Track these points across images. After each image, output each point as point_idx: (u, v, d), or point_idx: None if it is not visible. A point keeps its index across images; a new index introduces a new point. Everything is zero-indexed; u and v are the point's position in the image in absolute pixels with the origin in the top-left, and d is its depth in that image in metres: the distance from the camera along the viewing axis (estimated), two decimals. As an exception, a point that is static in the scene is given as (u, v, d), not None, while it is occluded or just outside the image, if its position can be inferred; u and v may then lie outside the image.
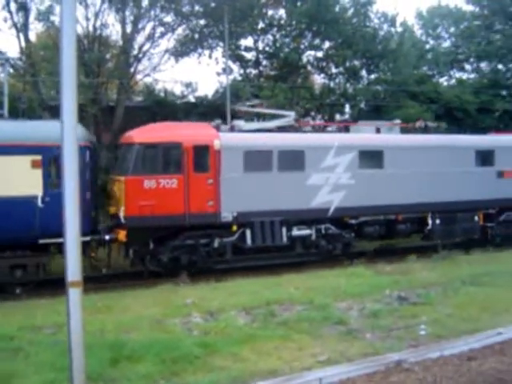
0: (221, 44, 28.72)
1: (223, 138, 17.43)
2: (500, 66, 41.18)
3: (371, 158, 19.54)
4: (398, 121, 22.69)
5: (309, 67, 32.44)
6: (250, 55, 31.11)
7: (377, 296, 13.48)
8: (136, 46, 26.02)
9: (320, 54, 31.67)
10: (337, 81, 32.91)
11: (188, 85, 29.41)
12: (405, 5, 78.30)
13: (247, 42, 30.70)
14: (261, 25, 29.93)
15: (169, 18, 26.20)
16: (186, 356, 8.90)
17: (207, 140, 17.12)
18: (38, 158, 14.98)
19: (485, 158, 21.74)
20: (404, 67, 33.33)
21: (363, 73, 33.53)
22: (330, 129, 22.17)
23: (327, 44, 31.11)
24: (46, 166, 15.11)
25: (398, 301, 13.18)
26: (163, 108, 25.99)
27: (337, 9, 29.92)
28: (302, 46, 30.81)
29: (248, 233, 17.52)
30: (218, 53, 29.65)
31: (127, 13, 25.66)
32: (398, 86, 31.89)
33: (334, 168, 18.72)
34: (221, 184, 17.06)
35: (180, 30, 27.27)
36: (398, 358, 8.90)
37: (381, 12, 32.36)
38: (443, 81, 42.46)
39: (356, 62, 32.26)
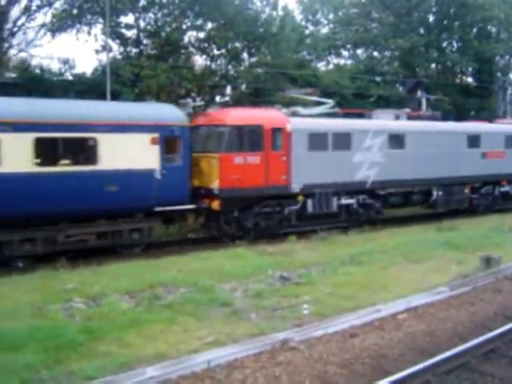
0: (100, 20, 27.86)
1: (293, 122, 20.13)
2: (375, 53, 42.83)
3: (396, 140, 22.94)
4: (406, 110, 26.37)
5: (190, 48, 32.12)
6: (130, 33, 30.37)
7: (260, 277, 13.57)
8: (10, 19, 24.64)
9: (202, 35, 31.46)
10: (218, 62, 32.85)
11: (65, 62, 28.37)
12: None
13: (128, 19, 30.01)
14: (142, 2, 29.30)
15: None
16: (69, 343, 8.58)
17: (281, 123, 19.79)
18: (156, 135, 16.95)
19: (473, 141, 25.88)
20: (284, 51, 33.76)
21: (244, 55, 33.65)
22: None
23: (209, 25, 30.93)
24: (162, 143, 17.10)
25: (280, 281, 13.35)
26: (39, 85, 24.86)
27: (220, -11, 29.78)
28: (184, 26, 30.45)
29: (309, 202, 20.36)
30: (97, 29, 28.83)
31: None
32: (278, 69, 32.25)
33: (370, 148, 21.95)
34: (291, 161, 19.81)
35: (58, 4, 26.14)
36: (283, 337, 9.02)
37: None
38: (321, 66, 43.54)
39: (238, 44, 32.34)
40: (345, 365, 8.03)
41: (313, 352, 8.51)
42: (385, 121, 23.66)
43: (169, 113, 18.06)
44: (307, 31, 44.87)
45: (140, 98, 26.48)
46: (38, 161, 15.10)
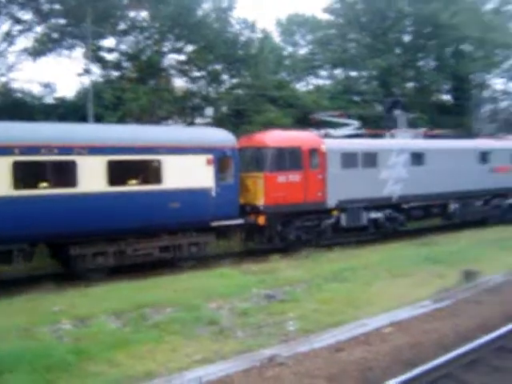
0: (81, 44, 28.01)
1: (327, 142, 21.86)
2: (353, 73, 43.30)
3: (418, 158, 24.65)
4: (423, 129, 28.03)
5: (171, 70, 32.38)
6: (111, 56, 30.55)
7: (245, 295, 13.75)
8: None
9: (182, 58, 31.75)
10: (199, 84, 33.12)
11: (46, 85, 28.43)
12: (265, 11, 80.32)
13: (108, 42, 30.20)
14: (122, 26, 29.50)
15: (27, 16, 25.18)
16: (59, 363, 8.68)
17: (317, 144, 21.51)
18: (211, 156, 18.66)
19: (484, 157, 27.71)
20: (264, 72, 34.11)
21: (225, 77, 33.97)
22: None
23: (190, 47, 31.23)
24: (216, 164, 18.76)
25: (265, 299, 13.52)
26: (21, 109, 24.91)
27: (199, 13, 30.11)
28: (165, 49, 30.75)
29: (343, 216, 22.02)
30: (78, 53, 28.95)
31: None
32: (258, 90, 32.57)
33: (395, 166, 23.69)
34: (326, 178, 21.46)
35: (39, 29, 26.30)
36: (271, 354, 9.16)
37: (242, 18, 32.97)
38: (301, 86, 43.93)
39: (218, 66, 32.67)
40: (332, 378, 8.18)
41: (300, 367, 8.65)
42: (407, 140, 25.52)
43: (221, 136, 19.77)
44: (286, 52, 45.28)
45: (122, 120, 26.60)
46: (111, 181, 16.63)
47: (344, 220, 22.05)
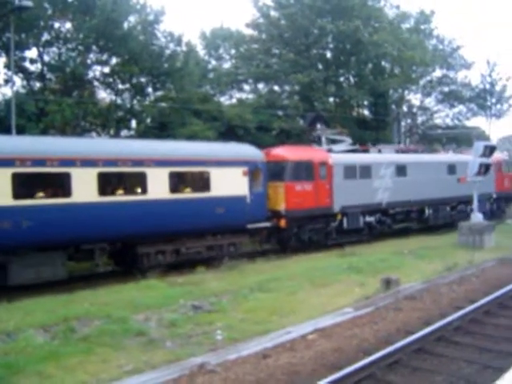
0: (2, 54, 27.48)
1: (332, 157, 25.55)
2: (276, 88, 44.02)
3: (401, 170, 28.51)
4: (400, 145, 33.66)
5: (95, 82, 32.15)
6: (34, 67, 30.00)
7: (173, 306, 13.88)
8: None
9: (107, 70, 31.56)
10: (123, 97, 32.99)
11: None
12: (189, 24, 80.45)
13: (31, 53, 29.68)
14: (46, 37, 29.08)
15: None
16: (-12, 378, 8.64)
17: (325, 158, 25.19)
18: (246, 169, 21.71)
19: (451, 169, 32.08)
20: (188, 86, 34.35)
21: (149, 90, 33.97)
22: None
23: (114, 60, 31.09)
24: (250, 175, 21.80)
25: (192, 310, 13.69)
26: None
27: (125, 25, 30.06)
28: (89, 61, 30.49)
29: (345, 219, 25.57)
30: (0, 63, 28.37)
31: None
32: (182, 103, 32.75)
33: (384, 176, 27.46)
34: (332, 187, 25.04)
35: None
36: (200, 362, 9.41)
37: (168, 31, 33.07)
38: (224, 100, 44.38)
39: (142, 79, 32.66)
40: (261, 383, 8.52)
41: (229, 373, 8.94)
42: (394, 155, 29.61)
43: (253, 151, 22.84)
44: (210, 66, 45.61)
45: (45, 132, 26.27)
46: (172, 189, 19.52)
47: (346, 223, 25.63)
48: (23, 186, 16.34)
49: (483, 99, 58.26)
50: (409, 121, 51.44)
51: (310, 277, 17.33)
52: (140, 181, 18.72)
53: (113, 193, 18.31)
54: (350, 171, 26.06)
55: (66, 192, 16.91)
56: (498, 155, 37.83)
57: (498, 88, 59.09)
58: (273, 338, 10.97)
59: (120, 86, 32.39)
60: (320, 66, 42.19)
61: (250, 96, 45.18)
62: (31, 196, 16.50)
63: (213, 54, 47.00)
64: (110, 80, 31.97)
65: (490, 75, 58.92)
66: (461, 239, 25.10)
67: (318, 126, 30.97)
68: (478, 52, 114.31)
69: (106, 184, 18.02)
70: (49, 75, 30.40)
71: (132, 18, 31.03)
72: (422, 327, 11.21)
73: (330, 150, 26.48)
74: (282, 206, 23.11)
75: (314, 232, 24.58)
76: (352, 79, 45.10)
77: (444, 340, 10.70)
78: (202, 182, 20.69)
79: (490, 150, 26.14)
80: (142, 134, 31.05)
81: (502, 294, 14.26)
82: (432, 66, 49.27)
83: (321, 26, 39.24)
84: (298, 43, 41.35)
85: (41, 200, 16.60)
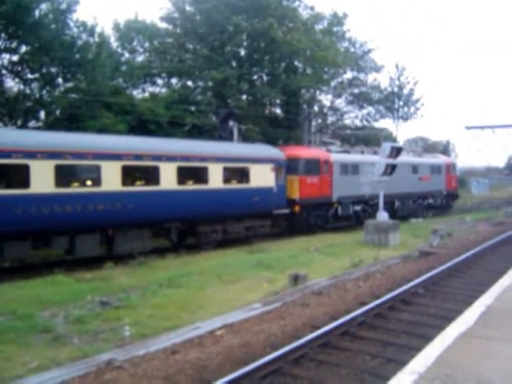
0: None
1: (333, 156, 31.78)
2: (189, 83, 43.82)
3: None
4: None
5: (3, 71, 30.95)
6: None
7: (80, 302, 13.72)
8: None
9: (15, 58, 30.46)
10: (32, 86, 31.96)
11: None
12: (103, 15, 78.70)
13: None
14: None
15: None
16: None
17: (328, 157, 31.37)
18: (273, 165, 27.10)
19: (415, 169, 39.58)
20: (100, 78, 33.62)
21: (59, 80, 33.00)
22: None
23: (24, 48, 30.03)
24: (275, 170, 27.09)
25: (100, 306, 13.56)
26: None
27: (37, 13, 29.08)
28: (-4, 48, 29.31)
29: (340, 208, 31.57)
30: None
31: None
32: (93, 95, 32.04)
33: (367, 173, 32.92)
34: (332, 181, 30.99)
35: None
36: (107, 358, 9.36)
37: (80, 21, 32.23)
38: (137, 93, 43.74)
39: (53, 69, 31.69)
40: (169, 378, 8.56)
41: (137, 369, 8.94)
42: (373, 156, 33.35)
43: (277, 151, 28.44)
44: (123, 58, 44.79)
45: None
46: (224, 180, 24.62)
47: (340, 210, 31.51)
48: (127, 175, 20.71)
49: (391, 102, 60.41)
50: (319, 121, 52.57)
51: (219, 273, 17.50)
52: (204, 173, 23.57)
53: (186, 183, 23.05)
54: (345, 168, 32.10)
55: (156, 181, 21.56)
56: (448, 159, 49.73)
57: (405, 91, 61.49)
58: (181, 333, 11.03)
59: (29, 76, 31.28)
60: (234, 64, 42.35)
61: (163, 90, 44.73)
62: (132, 184, 21.23)
63: (126, 47, 46.03)
64: (19, 69, 30.82)
65: (398, 79, 61.24)
66: (367, 237, 25.96)
67: (231, 122, 31.23)
68: (387, 56, 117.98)
69: (182, 175, 22.59)
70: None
71: (44, 6, 29.99)
72: (328, 322, 11.53)
73: (329, 150, 32.51)
74: (296, 195, 28.65)
75: (317, 218, 30.28)
76: (265, 77, 45.45)
77: (349, 334, 11.05)
78: (244, 176, 25.77)
79: (396, 150, 27.07)
80: (51, 125, 30.18)
81: (405, 290, 14.83)
82: (343, 67, 50.43)
83: (236, 23, 39.36)
84: (212, 39, 41.29)
85: (139, 187, 21.44)
